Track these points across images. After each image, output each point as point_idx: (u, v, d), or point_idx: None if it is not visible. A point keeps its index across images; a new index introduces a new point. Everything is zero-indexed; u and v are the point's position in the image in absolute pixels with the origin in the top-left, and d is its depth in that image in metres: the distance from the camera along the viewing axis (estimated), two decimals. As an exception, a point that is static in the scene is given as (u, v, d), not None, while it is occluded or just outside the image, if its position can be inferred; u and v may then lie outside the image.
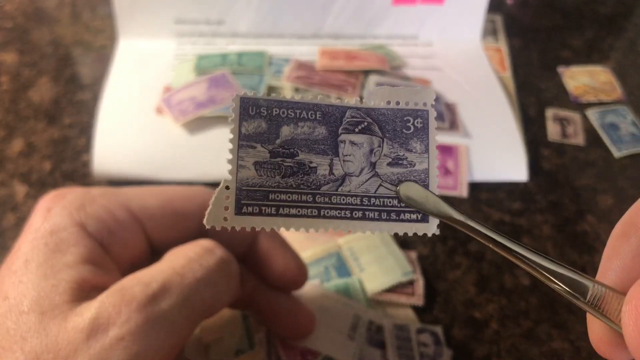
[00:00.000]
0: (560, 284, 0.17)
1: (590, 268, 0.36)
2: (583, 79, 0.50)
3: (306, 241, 0.35)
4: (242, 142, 0.16)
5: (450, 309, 0.34)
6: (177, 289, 0.19)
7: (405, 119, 0.17)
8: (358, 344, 0.29)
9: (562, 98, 0.48)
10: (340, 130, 0.17)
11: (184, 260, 0.21)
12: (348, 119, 0.17)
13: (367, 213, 0.17)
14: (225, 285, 0.22)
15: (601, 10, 0.58)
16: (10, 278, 0.19)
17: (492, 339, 0.33)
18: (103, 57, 0.48)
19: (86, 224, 0.21)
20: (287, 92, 0.42)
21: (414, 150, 0.18)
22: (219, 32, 0.48)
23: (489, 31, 0.53)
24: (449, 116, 0.43)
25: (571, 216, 0.39)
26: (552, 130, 0.45)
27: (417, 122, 0.18)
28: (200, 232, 0.23)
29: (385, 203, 0.17)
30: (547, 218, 0.39)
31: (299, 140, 0.17)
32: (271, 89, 0.43)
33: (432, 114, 0.18)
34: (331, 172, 0.17)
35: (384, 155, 0.17)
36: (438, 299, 0.34)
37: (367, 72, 0.45)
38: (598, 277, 0.18)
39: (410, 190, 0.17)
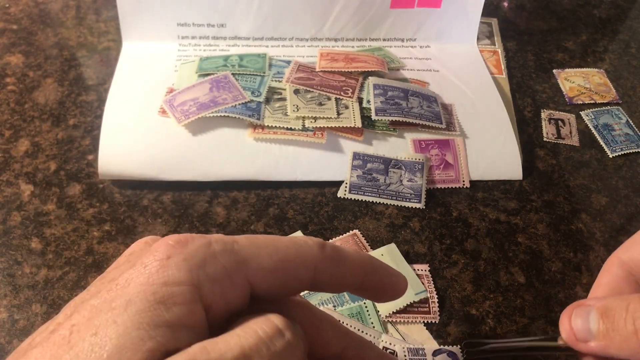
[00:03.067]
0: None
1: (584, 265, 0.37)
2: (578, 80, 0.51)
3: None
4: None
5: (447, 306, 0.34)
6: None
7: None
8: None
9: (557, 99, 0.49)
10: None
11: (254, 339, 0.20)
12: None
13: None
14: None
15: (596, 13, 0.59)
16: (107, 314, 0.19)
17: (488, 336, 0.33)
18: (107, 59, 0.49)
19: (202, 286, 0.20)
20: (288, 93, 0.43)
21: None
22: (220, 35, 0.49)
23: (485, 34, 0.54)
24: (445, 117, 0.44)
25: (566, 215, 0.40)
26: (548, 131, 0.46)
27: None
28: (303, 287, 0.23)
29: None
30: (542, 217, 0.40)
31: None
32: (272, 90, 0.44)
33: None
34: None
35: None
36: (436, 296, 0.35)
37: (366, 74, 0.46)
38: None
39: None
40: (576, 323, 0.27)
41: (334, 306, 0.33)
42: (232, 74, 0.44)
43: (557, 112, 0.48)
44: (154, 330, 0.19)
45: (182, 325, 0.19)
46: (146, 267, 0.20)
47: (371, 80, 0.45)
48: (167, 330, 0.19)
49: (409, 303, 0.33)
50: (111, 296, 0.20)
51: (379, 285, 0.25)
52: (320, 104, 0.42)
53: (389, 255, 0.35)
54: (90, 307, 0.20)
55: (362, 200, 0.40)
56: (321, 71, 0.45)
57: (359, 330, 0.30)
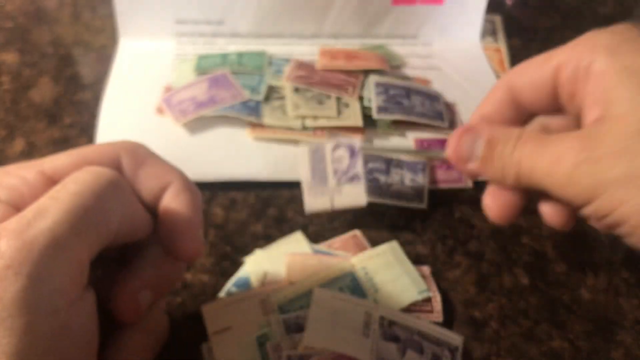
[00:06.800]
0: None
1: (589, 267, 0.37)
2: (582, 79, 0.50)
3: (319, 265, 0.34)
4: None
5: (450, 309, 0.34)
6: (51, 209, 0.20)
7: None
8: (373, 340, 0.29)
9: (562, 98, 0.48)
10: None
11: (59, 185, 0.21)
12: None
13: None
14: (111, 195, 0.22)
15: (600, 10, 0.59)
16: None
17: (492, 339, 0.33)
18: (103, 57, 0.48)
19: None
20: (287, 91, 0.42)
21: None
22: (219, 32, 0.48)
23: (489, 31, 0.53)
24: (448, 116, 0.44)
25: (570, 216, 0.40)
26: (552, 130, 0.45)
27: None
28: None
29: None
30: (546, 218, 0.39)
31: None
32: (271, 89, 0.43)
33: None
34: None
35: None
36: (438, 295, 0.34)
37: (367, 72, 0.45)
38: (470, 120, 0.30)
39: None
40: (464, 144, 0.29)
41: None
42: (231, 72, 0.44)
43: (561, 110, 0.47)
44: None
45: None
46: None
47: (372, 78, 0.44)
48: None
49: (411, 302, 0.33)
50: None
51: (170, 212, 0.25)
52: (321, 103, 0.42)
53: (390, 252, 0.35)
54: None
55: (363, 200, 0.39)
56: (321, 69, 0.45)
57: (355, 303, 0.30)
